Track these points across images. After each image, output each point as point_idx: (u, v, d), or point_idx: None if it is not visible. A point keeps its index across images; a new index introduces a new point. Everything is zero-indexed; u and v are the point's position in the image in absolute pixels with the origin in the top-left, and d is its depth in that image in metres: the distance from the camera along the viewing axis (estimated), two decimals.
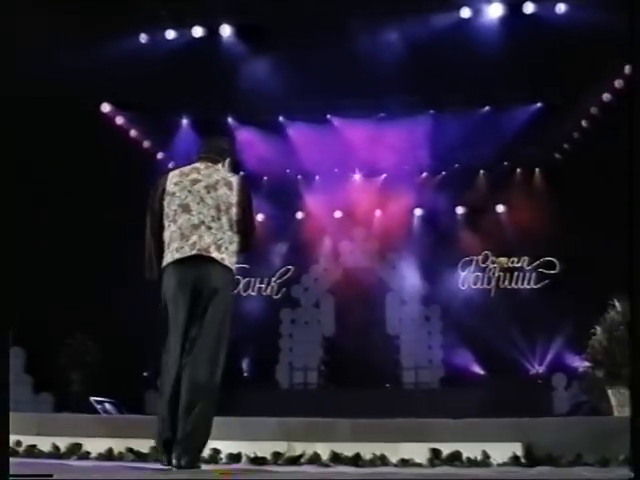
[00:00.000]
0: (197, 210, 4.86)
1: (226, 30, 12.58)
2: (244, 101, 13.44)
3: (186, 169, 5.05)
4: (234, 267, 4.95)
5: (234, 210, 4.90)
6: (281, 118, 14.82)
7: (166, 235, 4.91)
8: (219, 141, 5.31)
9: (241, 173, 5.08)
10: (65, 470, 5.00)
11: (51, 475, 3.35)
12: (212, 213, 4.86)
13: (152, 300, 13.52)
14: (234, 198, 4.91)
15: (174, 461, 4.62)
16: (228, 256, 4.88)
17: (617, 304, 6.55)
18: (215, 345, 4.81)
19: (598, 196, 12.45)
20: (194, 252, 4.80)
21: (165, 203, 4.93)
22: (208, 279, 4.80)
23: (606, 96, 13.33)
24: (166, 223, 4.91)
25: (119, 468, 5.17)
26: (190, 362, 4.69)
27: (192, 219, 4.84)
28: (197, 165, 5.05)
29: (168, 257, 4.87)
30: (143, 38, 12.56)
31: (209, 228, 4.84)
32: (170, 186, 4.96)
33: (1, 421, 3.77)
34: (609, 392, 6.42)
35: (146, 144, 15.10)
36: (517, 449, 5.28)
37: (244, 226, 4.96)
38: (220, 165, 5.08)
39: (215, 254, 4.82)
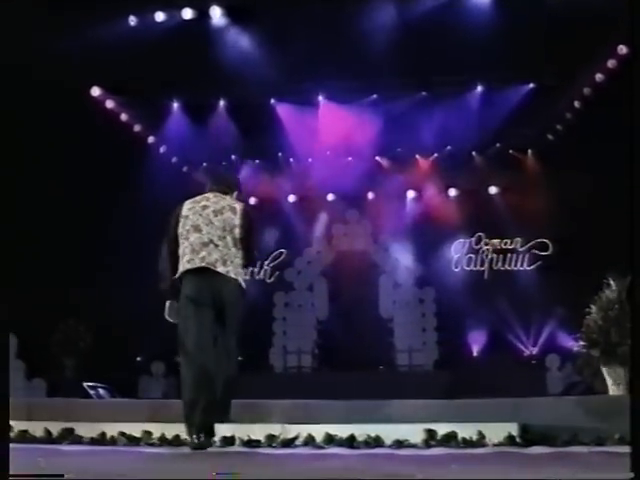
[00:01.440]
0: (206, 230, 5.79)
1: (216, 12, 12.43)
2: (235, 83, 13.32)
3: (198, 198, 5.99)
4: (240, 277, 5.87)
5: (237, 230, 5.83)
6: (272, 100, 14.72)
7: (180, 250, 5.83)
8: (228, 177, 6.52)
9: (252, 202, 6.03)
10: (57, 455, 4.97)
11: (54, 475, 3.34)
12: (219, 233, 5.79)
13: (145, 287, 13.50)
14: (237, 221, 5.84)
15: (194, 437, 5.36)
16: (233, 268, 5.80)
17: (612, 283, 6.53)
18: (231, 335, 5.83)
19: (591, 177, 12.43)
20: (203, 264, 5.72)
21: (180, 225, 5.86)
22: (217, 288, 5.74)
23: (599, 76, 13.27)
24: (180, 240, 5.83)
25: (112, 452, 5.14)
26: (217, 353, 5.74)
27: (202, 237, 5.77)
28: (208, 195, 5.99)
29: (181, 267, 5.80)
30: (132, 21, 12.40)
31: (216, 246, 5.77)
32: (185, 211, 5.91)
33: (1, 421, 3.74)
34: (604, 371, 6.40)
35: (137, 128, 14.97)
36: (513, 429, 5.26)
37: (245, 244, 5.87)
38: (228, 197, 6.02)
39: (220, 268, 5.75)
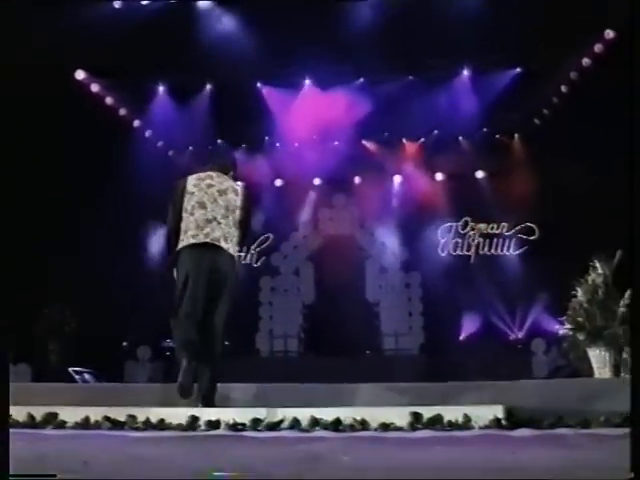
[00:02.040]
0: (211, 208, 6.09)
1: None
2: (221, 66, 13.23)
3: (202, 175, 6.26)
4: (236, 254, 6.23)
5: (238, 212, 6.18)
6: (259, 84, 14.64)
7: (183, 224, 6.10)
8: (226, 157, 6.81)
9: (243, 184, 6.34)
10: (40, 439, 4.94)
11: (54, 475, 3.30)
12: (222, 212, 6.11)
13: (131, 271, 13.41)
14: (239, 203, 6.20)
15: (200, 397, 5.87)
16: (232, 246, 6.14)
17: (598, 266, 6.54)
18: (223, 309, 6.11)
19: (577, 161, 12.43)
20: (207, 240, 6.03)
21: (185, 199, 6.13)
22: (219, 263, 6.06)
23: (585, 61, 13.27)
24: (184, 215, 6.10)
25: (96, 436, 5.11)
26: (208, 319, 6.01)
27: (207, 214, 6.07)
28: (210, 173, 6.27)
29: (184, 241, 6.08)
30: (117, 3, 12.30)
31: (219, 223, 6.08)
32: (190, 187, 6.17)
33: (0, 419, 3.71)
34: (590, 353, 6.42)
35: (122, 112, 14.85)
36: (498, 412, 5.26)
37: (244, 225, 6.23)
38: (228, 177, 6.30)
39: (224, 244, 6.07)
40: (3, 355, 4.23)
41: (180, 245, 6.09)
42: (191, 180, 6.21)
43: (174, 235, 6.15)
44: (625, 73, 4.38)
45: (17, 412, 5.69)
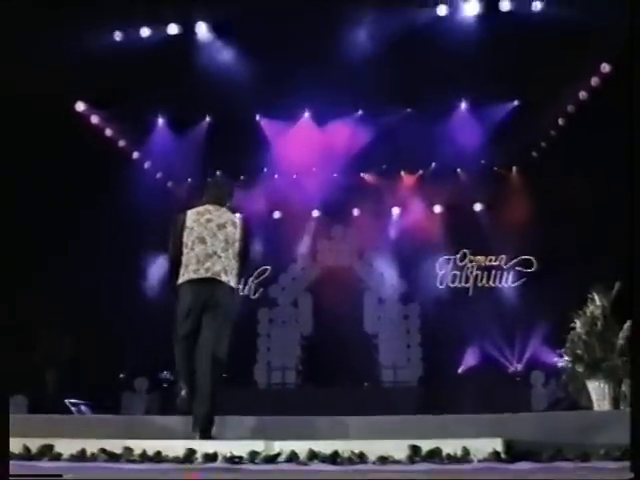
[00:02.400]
0: (210, 242, 6.26)
1: (202, 27, 12.45)
2: (220, 99, 13.30)
3: (201, 210, 6.43)
4: (235, 287, 6.42)
5: (237, 244, 6.34)
6: (257, 116, 14.72)
7: (184, 259, 6.28)
8: (223, 188, 6.73)
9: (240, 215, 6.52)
10: (36, 471, 4.90)
11: (60, 475, 3.29)
12: (222, 245, 6.27)
13: (129, 303, 13.36)
14: (238, 235, 6.36)
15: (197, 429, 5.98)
16: (232, 278, 6.30)
17: (596, 298, 6.53)
18: (225, 341, 6.22)
19: (575, 194, 12.48)
20: (209, 275, 6.22)
21: (185, 235, 6.32)
22: (218, 296, 6.21)
23: (582, 94, 13.37)
24: (185, 250, 6.29)
25: (93, 469, 5.07)
26: (199, 350, 6.16)
27: (207, 249, 6.25)
28: (208, 207, 6.44)
29: (185, 276, 6.27)
30: (117, 36, 12.39)
31: (219, 257, 6.25)
32: (189, 222, 6.35)
33: (1, 422, 3.68)
34: (589, 386, 6.39)
35: (121, 143, 14.92)
36: (497, 445, 5.22)
37: (243, 256, 6.40)
38: (226, 209, 6.47)
39: (224, 278, 6.24)
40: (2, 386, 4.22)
41: (181, 280, 6.28)
42: (190, 215, 6.39)
43: (175, 269, 6.33)
44: (621, 106, 4.42)
45: (13, 444, 5.65)
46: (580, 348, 6.40)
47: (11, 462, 5.31)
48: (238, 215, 6.52)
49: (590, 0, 10.46)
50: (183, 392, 6.18)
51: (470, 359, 14.87)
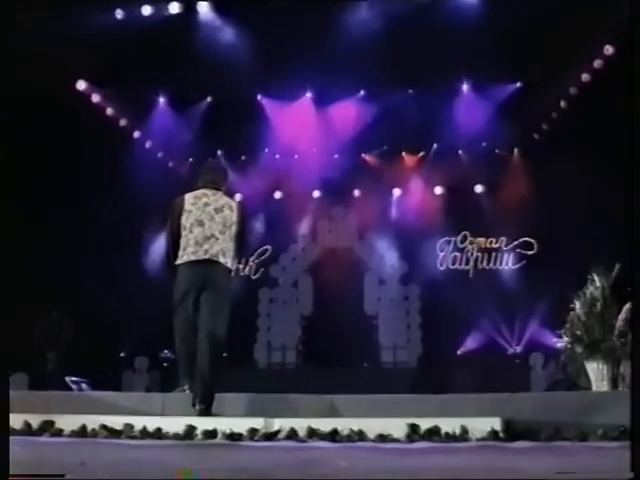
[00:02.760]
0: (208, 225, 6.46)
1: (203, 6, 12.39)
2: (221, 78, 13.25)
3: (198, 194, 6.62)
4: (232, 268, 6.63)
5: (234, 227, 6.53)
6: (259, 96, 14.68)
7: (182, 241, 6.46)
8: (218, 172, 6.96)
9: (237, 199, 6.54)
10: (36, 445, 4.94)
11: (63, 475, 3.33)
12: (220, 228, 6.46)
13: (129, 281, 13.37)
14: (235, 218, 6.55)
15: (197, 406, 6.06)
16: (229, 260, 6.51)
17: (596, 279, 6.54)
18: (223, 321, 6.39)
19: (575, 176, 12.47)
20: (207, 256, 6.41)
21: (183, 218, 6.51)
22: (215, 277, 6.40)
23: (585, 76, 13.31)
24: (183, 232, 6.47)
25: (93, 444, 5.11)
26: (199, 330, 6.31)
27: (205, 231, 6.45)
28: (205, 191, 6.64)
29: (185, 257, 6.45)
30: (119, 14, 12.33)
31: (217, 239, 6.44)
32: (187, 206, 6.54)
33: (1, 420, 3.72)
34: (588, 367, 6.41)
35: (122, 122, 14.87)
36: (496, 424, 5.25)
37: (240, 239, 6.62)
38: (222, 193, 6.67)
39: (222, 259, 6.44)
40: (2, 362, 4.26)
41: (180, 261, 6.47)
42: (188, 199, 6.59)
43: (173, 252, 6.52)
44: (624, 88, 4.41)
45: (14, 420, 5.68)
46: (579, 329, 6.41)
47: (13, 437, 5.36)
48: (235, 199, 6.83)
49: None
50: (186, 388, 6.39)
51: (470, 341, 14.91)
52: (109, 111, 14.49)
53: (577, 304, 6.56)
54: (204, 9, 12.45)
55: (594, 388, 6.40)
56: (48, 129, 12.39)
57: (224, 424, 5.44)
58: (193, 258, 6.40)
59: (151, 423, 5.56)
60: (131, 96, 13.93)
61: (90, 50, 11.88)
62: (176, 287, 6.48)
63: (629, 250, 3.90)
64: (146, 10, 12.36)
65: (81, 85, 13.78)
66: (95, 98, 14.12)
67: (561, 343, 6.79)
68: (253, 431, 5.35)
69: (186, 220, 6.48)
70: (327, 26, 11.97)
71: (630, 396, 3.65)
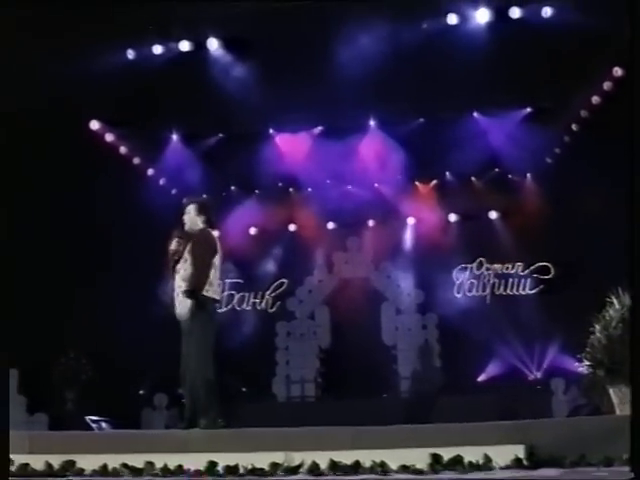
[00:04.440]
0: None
1: (213, 43, 12.53)
2: (233, 114, 13.37)
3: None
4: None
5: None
6: (271, 130, 14.76)
7: (210, 276, 7.49)
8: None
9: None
10: None
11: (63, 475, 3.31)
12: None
13: (147, 319, 13.42)
14: None
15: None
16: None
17: (615, 301, 6.50)
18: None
19: (589, 199, 12.44)
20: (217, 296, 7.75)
21: (215, 257, 7.48)
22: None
23: (595, 99, 13.32)
24: (212, 269, 7.59)
25: None
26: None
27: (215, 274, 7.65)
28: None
29: (210, 292, 7.44)
30: (130, 54, 12.50)
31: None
32: (218, 247, 7.73)
33: (1, 422, 3.69)
34: (610, 391, 6.35)
35: (136, 160, 14.99)
36: (519, 451, 5.20)
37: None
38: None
39: None
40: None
41: (209, 294, 7.38)
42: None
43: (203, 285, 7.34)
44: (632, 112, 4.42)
45: (35, 461, 5.69)
46: (600, 352, 6.36)
47: (34, 478, 5.36)
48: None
49: (600, 4, 10.45)
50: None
51: (490, 368, 14.80)
52: (122, 149, 14.61)
53: (597, 327, 6.52)
54: (214, 46, 12.57)
55: (617, 412, 6.33)
56: (62, 168, 12.51)
57: (245, 459, 5.42)
58: (217, 298, 7.38)
59: (172, 460, 5.54)
60: (144, 134, 14.08)
61: (102, 90, 12.02)
62: (211, 320, 7.34)
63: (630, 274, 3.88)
64: (157, 49, 12.50)
65: (95, 125, 13.92)
66: (109, 137, 14.25)
67: (582, 367, 6.73)
68: (275, 465, 5.33)
69: (217, 259, 7.32)
70: (336, 58, 12.07)
71: (630, 395, 3.60)
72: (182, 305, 7.33)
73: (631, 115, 4.06)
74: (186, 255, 7.63)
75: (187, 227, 7.92)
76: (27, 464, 5.63)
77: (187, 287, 7.28)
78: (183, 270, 7.55)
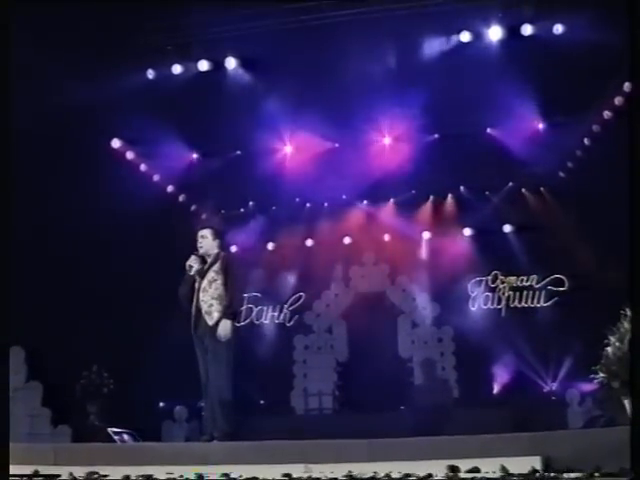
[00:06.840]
0: None
1: (231, 62, 12.74)
2: (251, 131, 13.58)
3: None
4: None
5: None
6: (288, 147, 14.91)
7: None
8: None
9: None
10: None
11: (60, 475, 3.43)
12: None
13: (168, 332, 13.54)
14: None
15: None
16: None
17: (629, 313, 6.56)
18: None
19: (603, 212, 12.52)
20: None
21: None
22: None
23: (607, 113, 13.42)
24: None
25: None
26: None
27: None
28: None
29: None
30: (150, 74, 12.76)
31: None
32: None
33: (1, 419, 3.75)
34: (625, 402, 6.40)
35: (156, 178, 15.19)
36: (536, 463, 5.27)
37: None
38: None
39: None
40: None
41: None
42: None
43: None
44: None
45: (59, 472, 5.83)
46: (615, 364, 6.42)
47: None
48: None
49: (609, 21, 10.56)
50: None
51: (505, 380, 14.86)
52: (143, 167, 14.82)
53: (611, 339, 6.58)
54: (232, 65, 12.78)
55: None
56: (84, 186, 12.70)
57: (264, 472, 5.52)
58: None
59: (192, 472, 5.66)
60: (163, 152, 14.29)
61: (124, 110, 12.26)
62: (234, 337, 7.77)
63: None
64: (176, 69, 12.76)
65: (116, 143, 14.16)
66: (129, 155, 14.47)
67: (597, 379, 6.79)
68: (293, 478, 5.42)
69: None
70: (352, 76, 12.26)
71: (630, 395, 3.68)
72: (224, 326, 7.67)
73: (631, 130, 4.21)
74: (212, 275, 7.85)
75: (202, 251, 8.16)
76: (51, 475, 5.76)
77: (228, 308, 7.69)
78: (214, 289, 7.80)
